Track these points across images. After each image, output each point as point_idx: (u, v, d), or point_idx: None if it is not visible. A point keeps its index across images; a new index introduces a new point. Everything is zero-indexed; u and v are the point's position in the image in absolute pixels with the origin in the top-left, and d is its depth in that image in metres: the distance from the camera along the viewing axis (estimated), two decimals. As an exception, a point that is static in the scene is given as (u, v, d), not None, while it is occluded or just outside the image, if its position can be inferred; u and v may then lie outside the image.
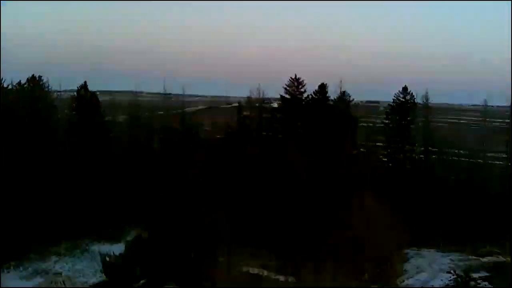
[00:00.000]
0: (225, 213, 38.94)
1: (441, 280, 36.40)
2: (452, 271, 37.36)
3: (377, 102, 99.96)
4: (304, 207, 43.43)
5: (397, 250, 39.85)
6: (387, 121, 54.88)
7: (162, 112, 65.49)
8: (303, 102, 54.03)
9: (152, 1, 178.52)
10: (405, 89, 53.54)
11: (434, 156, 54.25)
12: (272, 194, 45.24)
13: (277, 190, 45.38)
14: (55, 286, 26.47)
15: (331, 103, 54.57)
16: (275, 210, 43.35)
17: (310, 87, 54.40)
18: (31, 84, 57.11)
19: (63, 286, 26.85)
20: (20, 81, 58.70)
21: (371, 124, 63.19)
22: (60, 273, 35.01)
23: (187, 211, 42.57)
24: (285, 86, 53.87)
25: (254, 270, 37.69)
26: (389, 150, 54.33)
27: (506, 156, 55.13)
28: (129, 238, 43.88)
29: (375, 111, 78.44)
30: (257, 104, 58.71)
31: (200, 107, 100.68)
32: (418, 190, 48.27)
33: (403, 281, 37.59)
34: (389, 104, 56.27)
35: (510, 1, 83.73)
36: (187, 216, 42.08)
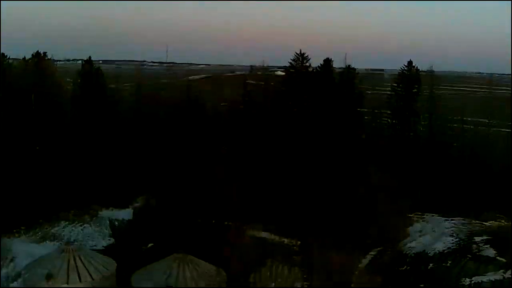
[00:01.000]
0: (230, 181, 39.85)
1: (444, 243, 36.91)
2: (454, 235, 38.14)
3: (382, 70, 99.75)
4: (310, 177, 43.75)
5: (401, 215, 40.26)
6: (393, 93, 54.73)
7: (166, 81, 65.44)
8: (309, 76, 53.59)
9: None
10: (410, 63, 53.48)
11: (438, 124, 54.02)
12: (278, 165, 45.54)
13: (283, 161, 45.79)
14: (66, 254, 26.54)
15: (336, 77, 54.35)
16: (280, 180, 43.71)
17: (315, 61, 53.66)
18: (36, 60, 57.00)
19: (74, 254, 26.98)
20: (24, 56, 58.90)
21: (376, 93, 63.04)
22: (72, 242, 35.18)
23: (194, 179, 43.52)
24: (290, 61, 53.46)
25: (260, 234, 38.19)
26: (394, 121, 54.33)
27: (510, 123, 54.97)
28: (137, 205, 44.64)
29: (380, 79, 78.29)
30: (259, 73, 58.29)
31: (203, 76, 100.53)
32: (422, 158, 48.53)
33: (406, 244, 38.15)
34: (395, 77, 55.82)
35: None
36: (194, 184, 42.99)
